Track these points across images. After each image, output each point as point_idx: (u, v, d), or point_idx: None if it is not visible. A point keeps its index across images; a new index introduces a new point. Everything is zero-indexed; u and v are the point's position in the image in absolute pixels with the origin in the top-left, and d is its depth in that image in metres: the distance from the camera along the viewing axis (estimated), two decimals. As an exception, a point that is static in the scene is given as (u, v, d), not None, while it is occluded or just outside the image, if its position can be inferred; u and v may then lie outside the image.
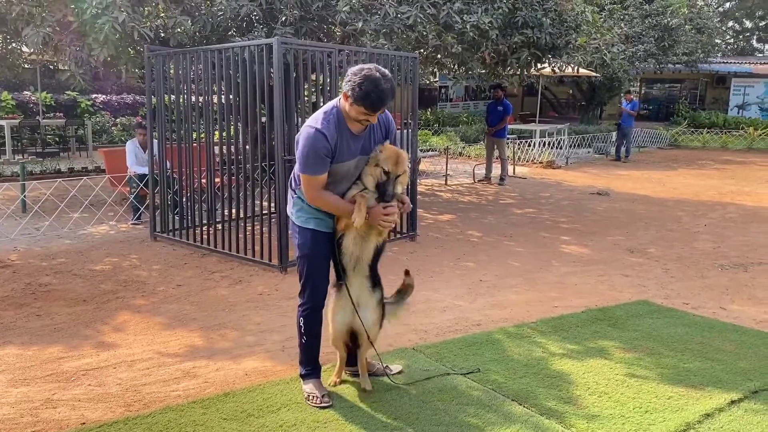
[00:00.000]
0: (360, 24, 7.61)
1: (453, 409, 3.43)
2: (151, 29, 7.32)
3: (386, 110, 3.39)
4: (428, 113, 23.66)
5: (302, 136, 3.24)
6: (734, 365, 4.04)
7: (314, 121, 3.25)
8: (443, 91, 27.56)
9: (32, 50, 8.46)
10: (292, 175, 3.55)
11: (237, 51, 6.34)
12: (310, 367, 3.60)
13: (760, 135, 20.08)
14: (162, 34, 8.11)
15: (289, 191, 3.56)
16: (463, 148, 16.80)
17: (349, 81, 3.12)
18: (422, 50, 8.94)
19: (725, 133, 20.75)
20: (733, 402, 3.55)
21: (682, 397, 3.61)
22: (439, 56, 9.01)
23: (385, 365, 3.86)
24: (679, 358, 4.15)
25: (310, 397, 3.49)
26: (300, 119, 6.82)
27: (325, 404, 3.44)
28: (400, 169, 3.32)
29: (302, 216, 3.45)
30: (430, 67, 10.39)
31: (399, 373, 3.83)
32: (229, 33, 8.58)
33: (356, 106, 3.13)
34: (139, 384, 3.74)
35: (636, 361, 4.10)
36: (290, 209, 3.54)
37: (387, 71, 3.19)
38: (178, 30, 7.85)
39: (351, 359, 3.78)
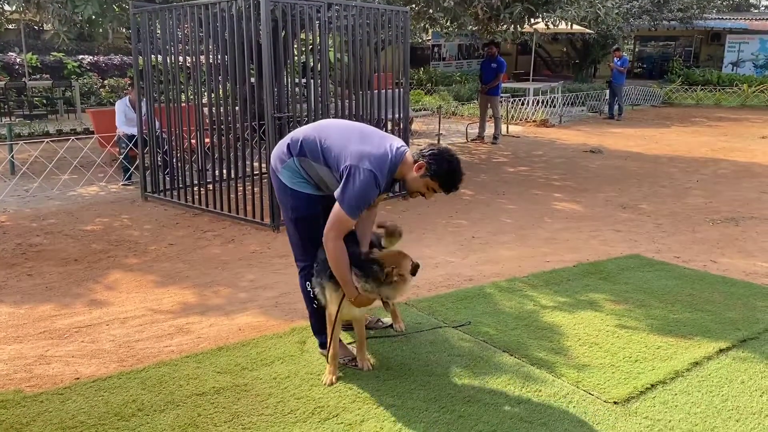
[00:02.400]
0: (350, -22, 7.43)
1: (444, 360, 3.46)
2: (136, -15, 7.14)
3: None
4: (421, 72, 23.39)
5: (361, 175, 2.98)
6: (723, 316, 4.09)
7: (376, 166, 3.02)
8: (436, 50, 27.20)
9: (14, 8, 8.27)
10: (295, 140, 3.24)
11: (224, 7, 6.20)
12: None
13: (754, 92, 19.98)
14: (147, -10, 7.92)
15: (285, 152, 3.27)
16: (456, 107, 16.66)
17: (433, 154, 3.06)
18: (413, 5, 8.78)
19: (719, 90, 20.62)
20: (721, 351, 3.60)
21: (671, 346, 3.65)
22: (430, 11, 8.83)
23: (377, 318, 3.88)
24: (669, 310, 4.19)
25: (346, 361, 3.40)
26: (289, 78, 6.74)
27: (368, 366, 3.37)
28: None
29: (296, 180, 3.26)
30: (422, 23, 10.19)
31: (390, 326, 3.85)
32: (217, -11, 8.38)
33: (432, 182, 3.07)
34: (132, 340, 3.75)
35: (626, 313, 4.14)
36: (279, 166, 3.30)
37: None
38: (164, -15, 7.67)
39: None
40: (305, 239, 3.35)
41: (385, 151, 3.09)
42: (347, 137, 3.15)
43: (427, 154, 3.08)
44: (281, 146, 3.33)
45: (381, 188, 3.08)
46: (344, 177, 3.02)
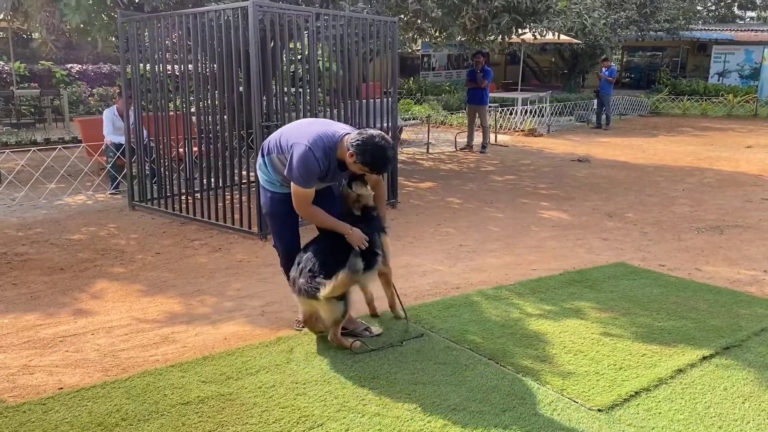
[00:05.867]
0: (338, -12, 7.49)
1: (430, 368, 3.47)
2: (124, -6, 7.15)
3: None
4: (411, 82, 23.49)
5: (297, 151, 3.45)
6: (707, 323, 4.12)
7: (312, 145, 3.45)
8: (426, 59, 27.35)
9: (2, 16, 8.24)
10: (266, 142, 3.76)
11: (212, 16, 6.22)
12: None
13: (740, 102, 20.20)
14: (136, 0, 7.92)
15: (260, 155, 3.79)
16: (445, 116, 16.73)
17: (358, 145, 3.40)
18: (402, 15, 8.83)
19: (705, 100, 20.84)
20: (704, 358, 3.62)
21: (655, 354, 3.68)
22: (419, 21, 8.89)
23: (365, 326, 3.89)
24: (653, 317, 4.22)
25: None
26: (278, 87, 6.76)
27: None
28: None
29: (265, 178, 3.78)
30: (411, 33, 10.26)
31: (378, 335, 3.85)
32: (205, -2, 8.40)
33: (362, 167, 3.47)
34: (117, 350, 3.73)
35: (611, 321, 4.16)
36: (257, 168, 3.87)
37: (389, 138, 3.58)
38: (153, -5, 7.67)
39: None
40: (274, 233, 3.93)
41: (324, 133, 3.52)
42: (300, 127, 3.65)
43: (354, 144, 3.44)
44: (259, 156, 3.83)
45: (321, 163, 3.46)
46: (290, 154, 3.51)
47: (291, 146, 3.49)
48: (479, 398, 3.16)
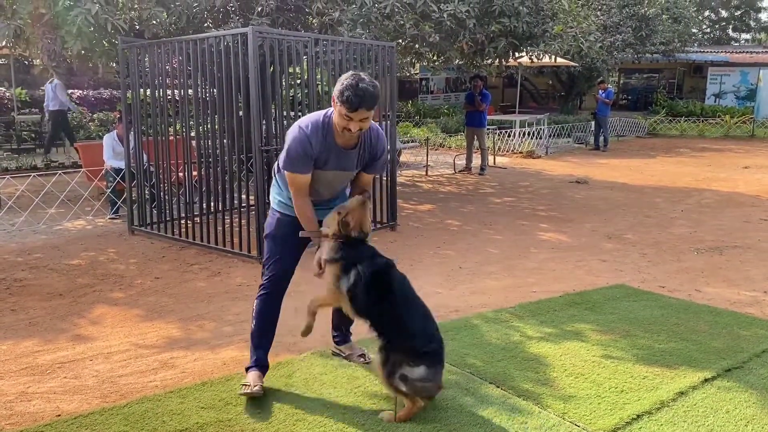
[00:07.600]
0: (337, 14, 7.58)
1: (431, 392, 3.44)
2: (125, 21, 7.23)
3: (380, 135, 3.47)
4: (409, 105, 23.64)
5: (292, 133, 3.33)
6: (708, 345, 4.10)
7: (304, 122, 3.34)
8: (424, 83, 27.55)
9: (3, 43, 8.32)
10: (278, 160, 3.63)
11: (212, 42, 6.28)
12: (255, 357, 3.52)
13: (736, 123, 20.32)
14: (137, 27, 8.01)
15: (273, 177, 3.65)
16: (444, 139, 16.82)
17: (338, 82, 3.18)
18: (400, 40, 8.93)
19: (702, 121, 20.96)
20: (706, 380, 3.60)
21: (656, 376, 3.66)
22: (417, 46, 8.99)
23: (360, 353, 3.86)
24: (654, 339, 4.21)
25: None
26: (277, 111, 6.81)
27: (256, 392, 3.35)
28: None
29: (276, 199, 3.58)
30: (409, 57, 10.36)
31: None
32: (205, 25, 8.50)
33: (338, 105, 3.15)
34: (115, 375, 3.71)
35: (612, 343, 4.15)
36: (272, 193, 3.64)
37: (374, 79, 3.22)
38: (153, 22, 7.75)
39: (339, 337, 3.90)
40: (272, 255, 3.53)
41: (318, 112, 3.38)
42: None
43: (337, 83, 3.19)
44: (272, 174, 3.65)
45: (311, 140, 3.26)
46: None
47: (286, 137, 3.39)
48: (480, 423, 3.14)
